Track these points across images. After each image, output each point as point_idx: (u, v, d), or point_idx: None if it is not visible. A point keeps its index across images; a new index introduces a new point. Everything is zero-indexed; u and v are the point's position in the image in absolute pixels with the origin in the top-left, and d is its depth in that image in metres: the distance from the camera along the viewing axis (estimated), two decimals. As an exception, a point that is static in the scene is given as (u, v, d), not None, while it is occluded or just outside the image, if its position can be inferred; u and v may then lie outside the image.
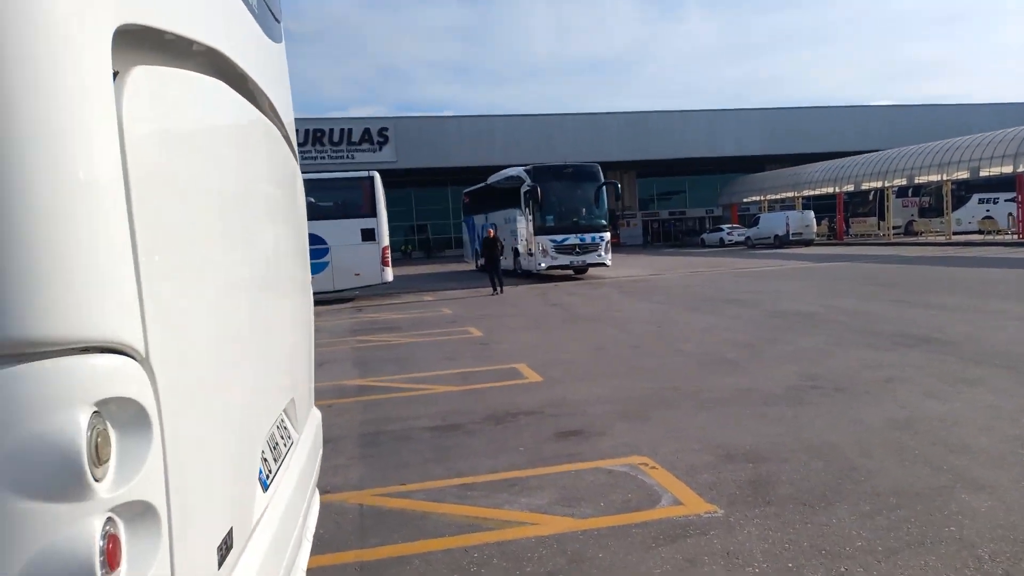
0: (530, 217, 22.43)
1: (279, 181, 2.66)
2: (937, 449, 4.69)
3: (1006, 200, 36.09)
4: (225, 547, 1.64)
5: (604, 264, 22.45)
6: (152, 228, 1.35)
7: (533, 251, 22.25)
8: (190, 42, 1.70)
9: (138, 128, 1.34)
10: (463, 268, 32.60)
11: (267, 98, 2.49)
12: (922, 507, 3.80)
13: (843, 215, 41.49)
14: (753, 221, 41.46)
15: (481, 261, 27.53)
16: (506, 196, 24.84)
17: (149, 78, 1.44)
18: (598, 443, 5.25)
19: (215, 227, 1.82)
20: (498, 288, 18.87)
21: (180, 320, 1.49)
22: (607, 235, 22.68)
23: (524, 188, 22.65)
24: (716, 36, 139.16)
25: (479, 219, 28.79)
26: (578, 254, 22.11)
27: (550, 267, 22.20)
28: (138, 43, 1.42)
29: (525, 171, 23.19)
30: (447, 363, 8.98)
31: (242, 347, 2.00)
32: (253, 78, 2.26)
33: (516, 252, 24.23)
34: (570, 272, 23.42)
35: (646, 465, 4.69)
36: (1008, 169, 29.83)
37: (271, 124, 2.57)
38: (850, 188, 38.75)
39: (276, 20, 2.81)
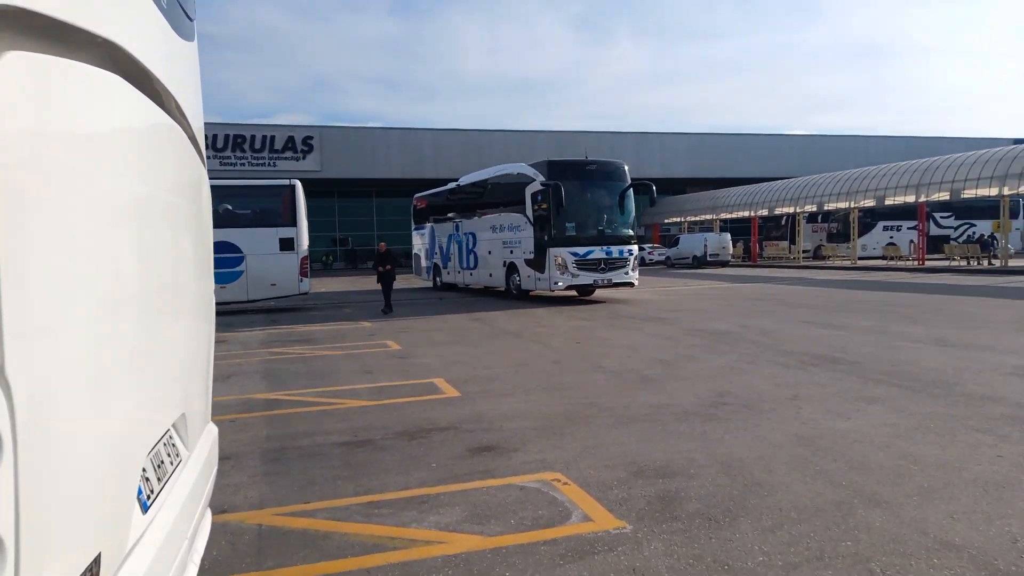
0: (541, 224, 18.06)
1: (181, 186, 2.51)
2: (838, 465, 4.84)
3: (908, 228, 38.27)
4: (91, 574, 1.49)
5: (631, 283, 18.49)
6: (13, 231, 1.22)
7: (546, 266, 17.85)
8: (82, 31, 1.56)
9: (6, 122, 1.21)
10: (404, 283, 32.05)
11: (173, 99, 2.34)
12: (821, 522, 3.89)
13: (757, 238, 43.10)
14: (673, 242, 42.67)
15: (439, 279, 25.21)
16: (502, 198, 20.54)
17: (26, 66, 1.30)
18: (512, 459, 5.19)
19: (97, 232, 1.68)
20: (388, 308, 16.94)
21: (45, 330, 1.35)
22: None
23: (534, 188, 18.33)
24: (645, 62, 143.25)
25: (443, 228, 24.88)
26: (603, 271, 17.91)
27: (569, 287, 18.10)
28: (13, 26, 1.29)
29: (533, 167, 18.75)
30: (363, 377, 8.77)
31: (121, 360, 1.85)
32: (158, 76, 2.12)
33: (511, 269, 19.89)
34: (572, 293, 19.50)
35: (558, 481, 4.66)
36: (911, 198, 31.67)
37: (176, 126, 2.41)
38: (764, 213, 40.30)
39: (188, 18, 2.65)
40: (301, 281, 18.37)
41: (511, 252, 19.74)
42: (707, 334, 11.59)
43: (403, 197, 49.76)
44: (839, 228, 40.63)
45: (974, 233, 37.83)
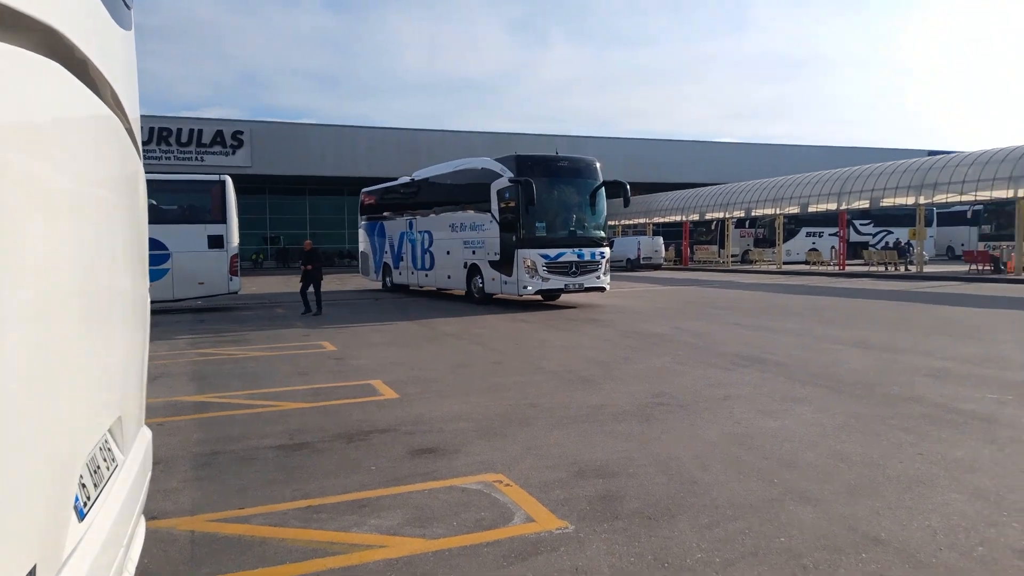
0: (509, 224, 16.73)
1: (118, 180, 2.40)
2: (769, 463, 5.00)
3: (830, 234, 39.84)
4: (25, 587, 1.41)
5: (603, 288, 17.44)
6: None
7: (514, 269, 16.54)
8: (18, 14, 1.47)
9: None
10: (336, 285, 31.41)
11: (111, 88, 2.23)
12: (756, 519, 4.01)
13: (688, 242, 44.17)
14: (607, 244, 43.25)
15: (390, 279, 23.74)
16: (463, 195, 19.09)
17: None
18: (453, 461, 5.17)
19: (31, 226, 1.59)
20: (314, 307, 16.24)
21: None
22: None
23: (500, 185, 16.97)
24: (580, 67, 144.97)
25: (395, 225, 23.29)
26: (575, 274, 16.79)
27: (539, 291, 16.91)
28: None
29: (500, 162, 17.43)
30: (297, 379, 8.58)
31: (57, 362, 1.76)
32: (96, 65, 2.02)
33: (472, 271, 18.46)
34: (537, 298, 18.17)
35: (500, 482, 4.66)
36: (832, 206, 32.99)
37: (114, 117, 2.30)
38: (696, 217, 41.32)
39: (127, 6, 2.54)
40: (231, 280, 17.85)
41: (473, 253, 18.30)
42: (643, 336, 11.80)
43: (337, 195, 49.12)
44: (765, 233, 41.98)
45: (891, 240, 39.72)
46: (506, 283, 16.93)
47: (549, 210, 16.87)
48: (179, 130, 40.47)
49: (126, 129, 2.50)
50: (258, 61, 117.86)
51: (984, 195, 27.40)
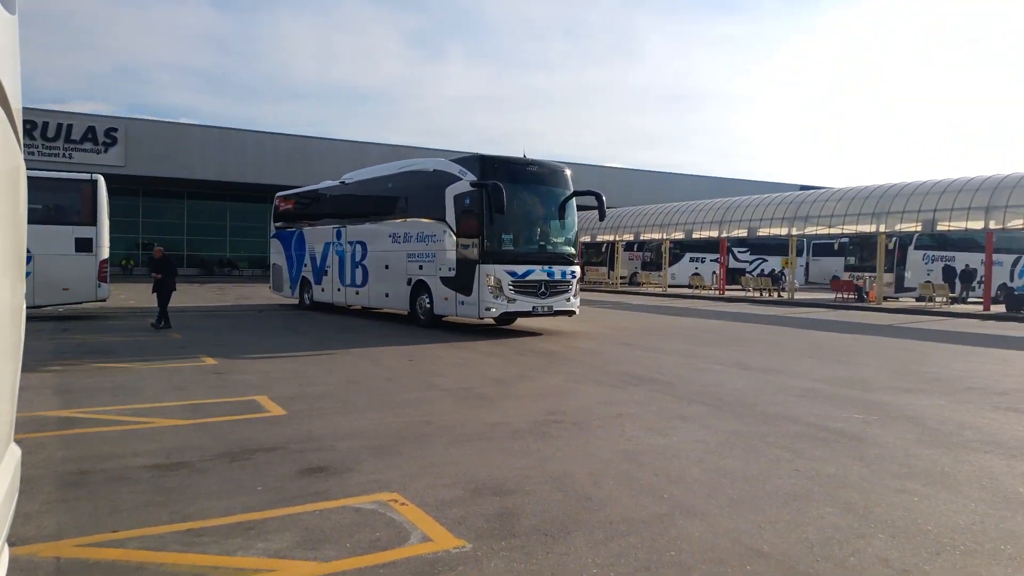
0: (469, 235, 14.53)
1: None
2: (659, 479, 5.15)
3: (711, 260, 41.86)
4: None
5: (572, 312, 15.42)
6: None
7: (474, 288, 14.30)
8: None
9: None
10: (223, 300, 29.84)
11: None
12: (648, 534, 4.11)
13: (581, 263, 45.26)
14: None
15: (309, 296, 21.02)
16: (409, 200, 16.70)
17: None
18: (346, 480, 5.01)
19: None
20: (163, 321, 14.94)
21: None
22: (578, 271, 15.80)
23: (459, 189, 14.72)
24: (478, 85, 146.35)
25: (318, 234, 20.48)
26: (543, 296, 14.70)
27: (504, 314, 14.75)
28: None
29: (458, 162, 15.14)
30: (174, 394, 8.09)
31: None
32: None
33: (418, 288, 16.04)
34: (488, 322, 16.19)
35: (396, 501, 4.55)
36: (714, 234, 34.77)
37: None
38: (587, 239, 42.43)
39: None
40: (99, 286, 16.67)
41: (420, 268, 15.92)
42: (537, 354, 11.94)
43: (220, 201, 47.02)
44: (652, 257, 43.60)
45: (766, 268, 42.21)
46: (463, 303, 14.62)
47: (517, 221, 14.79)
48: (45, 123, 37.61)
49: (9, 121, 2.28)
50: (135, 54, 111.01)
51: (850, 229, 29.69)
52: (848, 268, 33.86)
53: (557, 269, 14.98)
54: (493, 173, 14.28)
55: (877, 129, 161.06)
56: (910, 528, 4.24)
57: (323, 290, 20.39)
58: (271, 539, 3.95)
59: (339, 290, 19.53)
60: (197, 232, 46.93)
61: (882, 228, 28.18)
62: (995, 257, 27.30)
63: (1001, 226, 24.63)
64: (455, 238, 14.80)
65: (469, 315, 14.70)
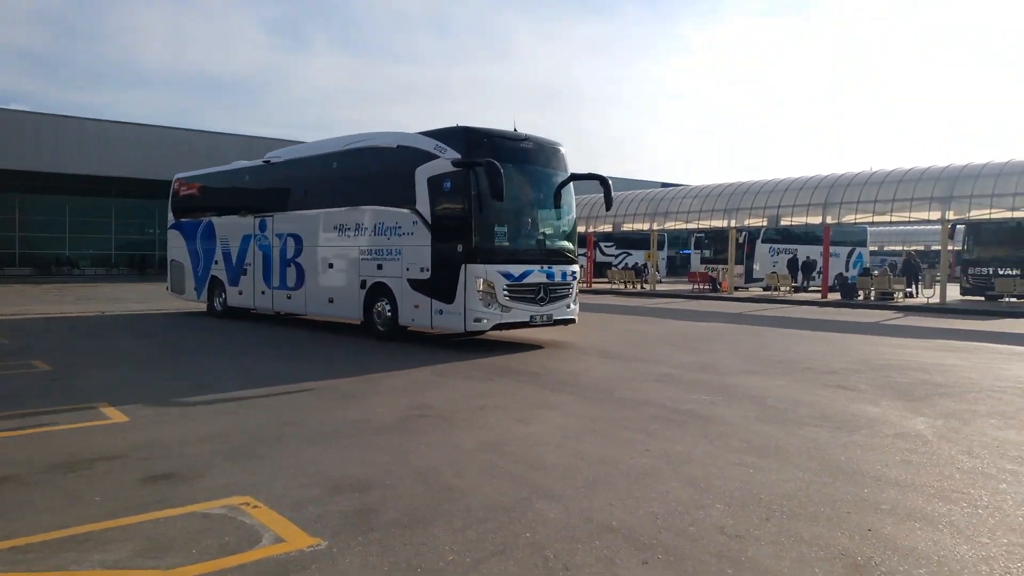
0: (453, 227, 11.69)
1: None
2: (520, 466, 5.27)
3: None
4: None
5: (572, 320, 12.81)
6: None
7: (458, 293, 11.45)
8: None
9: None
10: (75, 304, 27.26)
11: None
12: (506, 518, 4.20)
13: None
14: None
15: (221, 300, 17.43)
16: (363, 184, 13.49)
17: None
18: (195, 486, 4.77)
19: None
20: None
21: None
22: (578, 271, 13.27)
23: (437, 170, 11.80)
24: (345, 78, 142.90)
25: (234, 226, 16.97)
26: (543, 302, 11.98)
27: (497, 326, 11.70)
28: None
29: (433, 136, 12.16)
30: None
31: None
32: None
33: (376, 292, 12.97)
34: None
35: (248, 505, 4.40)
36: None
37: None
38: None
39: None
40: None
41: (378, 268, 12.90)
42: (402, 346, 11.86)
43: (57, 194, 43.13)
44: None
45: (631, 261, 43.98)
46: (442, 313, 11.72)
47: (511, 210, 11.97)
48: None
49: None
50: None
51: (705, 224, 31.52)
52: (704, 260, 35.98)
53: (557, 270, 12.29)
54: (481, 149, 11.50)
55: (763, 129, 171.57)
56: (745, 497, 4.58)
57: (241, 293, 16.82)
58: (109, 550, 3.71)
59: (263, 293, 16.04)
60: (32, 228, 42.83)
61: (733, 223, 30.14)
62: (832, 249, 29.88)
63: (836, 221, 26.97)
64: (429, 232, 11.96)
65: (450, 327, 11.86)
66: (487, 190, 11.06)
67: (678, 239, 52.78)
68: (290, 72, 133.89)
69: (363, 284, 13.24)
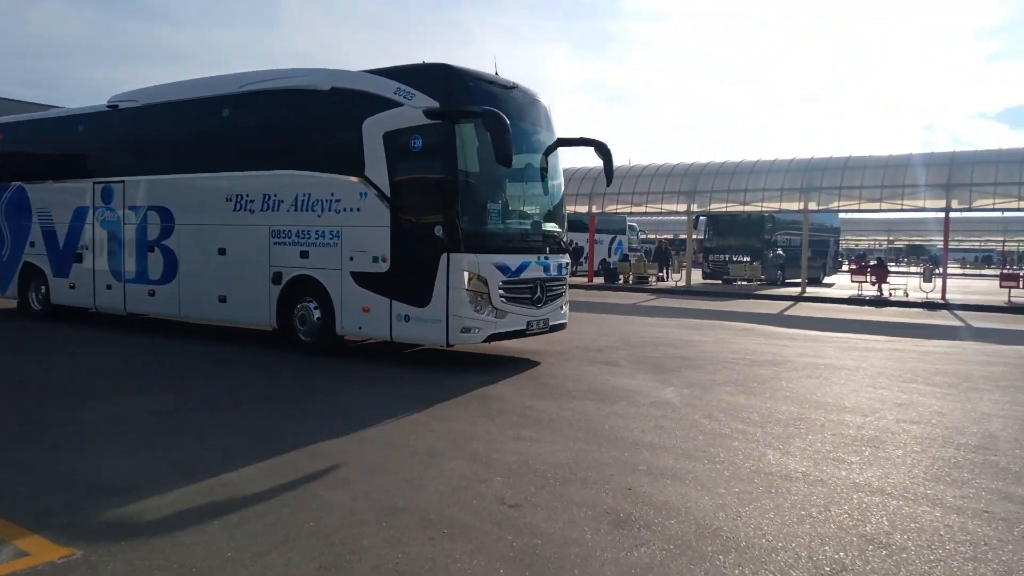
0: (426, 202, 8.70)
1: None
2: (299, 455, 5.13)
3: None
4: None
5: (564, 325, 10.12)
6: None
7: (436, 292, 8.37)
8: None
9: None
10: None
11: None
12: (287, 510, 4.08)
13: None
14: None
15: (41, 296, 12.90)
16: (280, 139, 10.06)
17: None
18: (-95, 502, 4.05)
19: None
20: None
21: None
22: (569, 262, 10.54)
23: (403, 122, 8.60)
24: (86, 33, 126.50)
25: (64, 191, 12.61)
26: (539, 303, 9.20)
27: (492, 337, 8.68)
28: None
29: (393, 76, 8.88)
30: None
31: None
32: None
33: (297, 289, 9.63)
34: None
35: (-21, 518, 3.83)
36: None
37: None
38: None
39: None
40: None
41: (303, 256, 9.47)
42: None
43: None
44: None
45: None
46: (408, 320, 8.58)
47: (504, 182, 9.28)
48: None
49: None
50: None
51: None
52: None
53: (553, 261, 9.58)
54: (466, 95, 8.56)
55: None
56: (522, 469, 4.87)
57: (73, 287, 12.37)
58: None
59: (109, 288, 11.82)
60: None
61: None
62: (597, 236, 32.26)
63: (601, 209, 29.16)
64: (388, 207, 8.72)
65: (422, 339, 8.94)
66: (481, 152, 8.52)
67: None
68: (9, 19, 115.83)
69: (277, 278, 9.70)
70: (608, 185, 10.80)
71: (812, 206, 24.41)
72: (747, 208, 26.20)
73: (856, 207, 24.33)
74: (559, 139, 9.95)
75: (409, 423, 6.08)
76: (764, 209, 26.01)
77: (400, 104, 8.61)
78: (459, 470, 4.83)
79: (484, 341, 8.57)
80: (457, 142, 8.35)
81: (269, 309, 9.78)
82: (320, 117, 9.55)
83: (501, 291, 8.59)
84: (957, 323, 16.59)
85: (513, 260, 8.81)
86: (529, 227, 9.64)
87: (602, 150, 9.85)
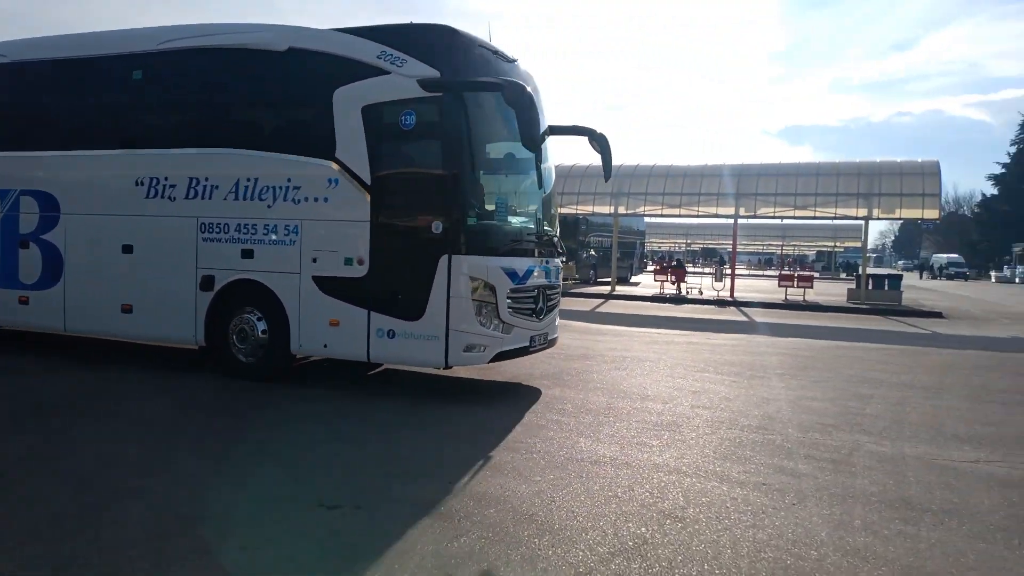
0: (417, 196, 7.07)
1: None
2: (97, 465, 4.70)
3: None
4: None
5: (556, 340, 8.53)
6: None
7: (433, 305, 6.73)
8: None
9: None
10: None
11: None
12: (75, 525, 3.72)
13: None
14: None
15: None
16: (217, 110, 8.09)
17: None
18: None
19: None
20: None
21: None
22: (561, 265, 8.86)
23: (392, 94, 6.96)
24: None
25: None
26: (540, 315, 7.69)
27: (499, 356, 7.11)
28: None
29: (376, 38, 7.11)
30: None
31: None
32: None
33: (232, 297, 7.63)
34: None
35: None
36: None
37: None
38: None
39: None
40: None
41: (245, 255, 7.63)
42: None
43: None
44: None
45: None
46: (394, 336, 6.95)
47: (508, 172, 8.17)
48: None
49: None
50: None
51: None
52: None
53: (552, 266, 8.13)
54: (471, 67, 7.17)
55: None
56: (340, 470, 4.78)
57: None
58: None
59: None
60: None
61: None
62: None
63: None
64: (369, 196, 7.07)
65: (412, 359, 7.31)
66: (487, 134, 7.35)
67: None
68: None
69: (206, 283, 7.72)
70: (607, 180, 9.33)
71: (621, 210, 26.07)
72: (562, 210, 27.45)
73: (659, 212, 26.34)
74: (551, 126, 8.26)
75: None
76: (579, 212, 27.32)
77: (385, 71, 7.00)
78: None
79: (491, 361, 7.10)
80: (463, 120, 6.88)
81: (194, 321, 7.75)
82: (273, 85, 7.81)
83: (509, 301, 7.09)
84: (743, 318, 18.48)
85: (520, 264, 7.35)
86: (532, 226, 7.98)
87: (594, 137, 8.31)
